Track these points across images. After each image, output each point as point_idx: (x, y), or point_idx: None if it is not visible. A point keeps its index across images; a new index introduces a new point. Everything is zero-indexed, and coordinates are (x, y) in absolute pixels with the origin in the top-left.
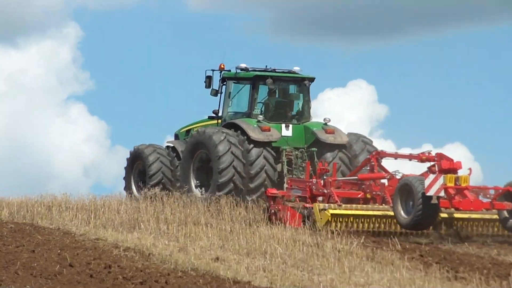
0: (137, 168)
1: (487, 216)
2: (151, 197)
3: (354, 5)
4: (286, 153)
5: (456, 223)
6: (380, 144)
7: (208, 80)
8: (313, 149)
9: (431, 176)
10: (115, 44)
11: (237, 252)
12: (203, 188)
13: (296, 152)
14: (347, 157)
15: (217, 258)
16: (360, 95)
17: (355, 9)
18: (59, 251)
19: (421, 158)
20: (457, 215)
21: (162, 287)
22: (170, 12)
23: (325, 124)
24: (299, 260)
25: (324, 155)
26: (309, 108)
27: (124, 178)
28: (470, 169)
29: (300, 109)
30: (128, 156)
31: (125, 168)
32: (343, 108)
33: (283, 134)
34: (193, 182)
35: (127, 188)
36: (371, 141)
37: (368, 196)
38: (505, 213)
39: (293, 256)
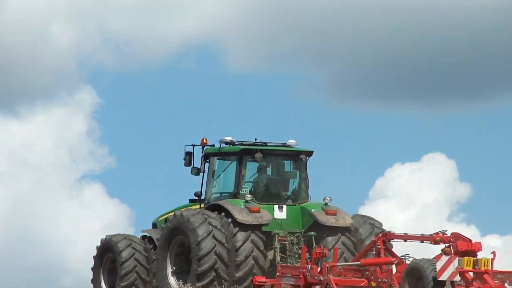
0: (108, 260)
1: None
2: None
3: (429, 65)
4: (279, 238)
5: None
6: (462, 230)
7: (188, 157)
8: (312, 233)
9: (444, 258)
10: (139, 113)
11: None
12: (180, 280)
13: (292, 237)
14: (352, 241)
15: None
16: (437, 171)
17: (431, 69)
18: None
19: (434, 239)
20: None
21: None
22: (206, 73)
23: (325, 204)
24: None
25: (324, 239)
26: (306, 186)
27: (92, 268)
28: (493, 252)
29: (296, 188)
30: (99, 245)
31: (94, 257)
32: (417, 187)
33: (276, 217)
34: (169, 273)
35: (95, 281)
36: (381, 224)
37: (373, 284)
38: None
39: None
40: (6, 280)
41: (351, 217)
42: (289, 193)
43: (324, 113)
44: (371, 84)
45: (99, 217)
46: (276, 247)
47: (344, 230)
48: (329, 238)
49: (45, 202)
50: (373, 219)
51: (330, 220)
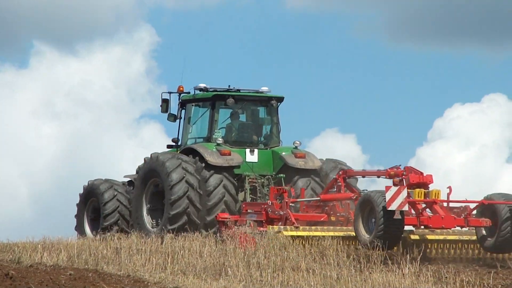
0: (91, 206)
1: (465, 238)
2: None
3: (492, 3)
4: (250, 180)
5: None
6: None
7: (165, 104)
8: (281, 175)
9: (393, 189)
10: (198, 51)
11: None
12: (154, 220)
13: (262, 180)
14: (319, 184)
15: None
16: (497, 112)
17: (493, 8)
18: None
19: (389, 174)
20: (430, 236)
21: None
22: (265, 11)
23: (295, 148)
24: None
25: (292, 181)
26: (278, 131)
27: (75, 216)
28: (450, 187)
29: (268, 133)
30: (82, 191)
31: (77, 205)
32: (476, 128)
33: (247, 160)
34: (145, 211)
35: (79, 227)
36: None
37: (333, 218)
38: (483, 231)
39: None
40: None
41: (322, 161)
42: (261, 138)
43: (383, 53)
44: (431, 23)
45: None
46: (247, 189)
47: (312, 172)
48: (299, 181)
49: (104, 141)
50: (344, 164)
51: (299, 163)
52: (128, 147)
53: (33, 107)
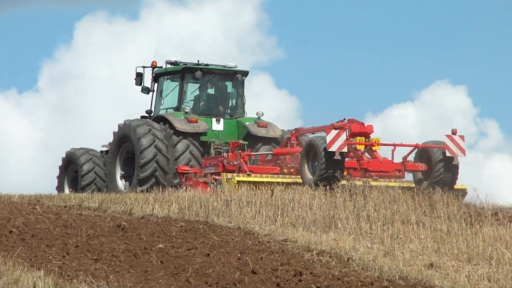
0: (71, 171)
1: (405, 185)
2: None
3: None
4: (215, 146)
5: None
6: None
7: (139, 78)
8: (244, 142)
9: (333, 132)
10: (309, 4)
11: (456, 258)
12: (127, 182)
13: (226, 147)
14: None
15: (431, 265)
16: None
17: None
18: (239, 255)
19: (334, 127)
20: (373, 183)
21: None
22: None
23: (258, 118)
24: None
25: (254, 147)
26: (243, 103)
27: (57, 177)
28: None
29: (234, 104)
30: (64, 156)
31: (59, 167)
32: None
33: (213, 129)
34: (118, 176)
35: (60, 188)
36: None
37: (285, 170)
38: (419, 175)
39: None
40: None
41: (283, 131)
42: (226, 109)
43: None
44: None
45: (267, 108)
46: (212, 154)
47: (273, 140)
48: (260, 147)
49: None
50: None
51: (261, 131)
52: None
53: (145, 58)
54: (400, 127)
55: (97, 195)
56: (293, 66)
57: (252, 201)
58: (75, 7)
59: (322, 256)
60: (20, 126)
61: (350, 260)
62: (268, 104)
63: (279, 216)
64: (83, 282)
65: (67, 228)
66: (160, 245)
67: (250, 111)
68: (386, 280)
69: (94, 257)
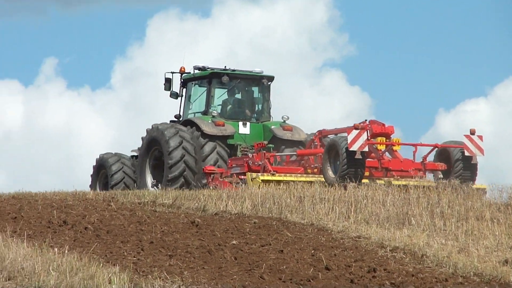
0: (102, 176)
1: (426, 184)
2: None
3: None
4: (242, 149)
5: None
6: None
7: (168, 83)
8: (270, 145)
9: (354, 132)
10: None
11: None
12: (159, 186)
13: (253, 150)
14: None
15: (506, 261)
16: None
17: None
18: (312, 251)
19: (356, 127)
20: (395, 182)
21: None
22: None
23: (284, 122)
24: None
25: (281, 151)
26: (268, 107)
27: (90, 186)
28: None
29: (260, 109)
30: (94, 164)
31: (91, 175)
32: None
33: (240, 132)
34: (148, 179)
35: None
36: None
37: (309, 170)
38: (440, 174)
39: None
40: None
41: (307, 134)
42: (253, 113)
43: None
44: None
45: (339, 105)
46: (238, 156)
47: (298, 143)
48: (284, 149)
49: (285, 89)
50: None
51: (286, 134)
52: (309, 95)
53: (216, 56)
54: (473, 123)
55: (171, 191)
56: (365, 63)
57: (325, 198)
58: (148, 4)
59: (396, 252)
60: (93, 123)
61: (424, 256)
62: (340, 100)
63: (352, 213)
64: (158, 278)
65: (141, 224)
66: (234, 242)
67: (290, 113)
68: (461, 276)
69: (169, 253)
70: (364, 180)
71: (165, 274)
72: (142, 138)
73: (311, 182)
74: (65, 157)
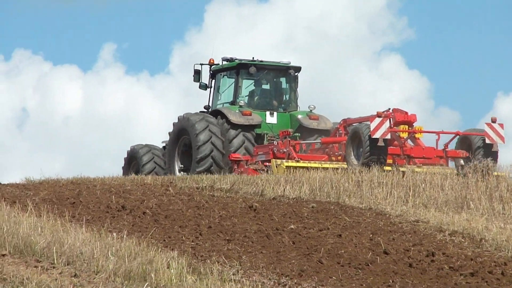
0: (133, 168)
1: (448, 171)
2: None
3: None
4: (269, 137)
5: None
6: None
7: (197, 75)
8: (297, 134)
9: (377, 120)
10: None
11: None
12: (186, 172)
13: (279, 138)
14: None
15: None
16: None
17: None
18: (371, 236)
19: (379, 115)
20: (417, 169)
21: (498, 279)
22: None
23: (310, 111)
24: None
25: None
26: (295, 97)
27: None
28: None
29: (287, 99)
30: (125, 156)
31: (122, 168)
32: None
33: (267, 121)
34: (177, 167)
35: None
36: None
37: (333, 158)
38: (461, 162)
39: None
40: None
41: (334, 123)
42: (280, 103)
43: None
44: None
45: (398, 89)
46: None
47: (324, 132)
48: (312, 138)
49: (344, 74)
50: None
51: (313, 124)
52: (368, 79)
53: (274, 40)
54: None
55: (229, 176)
56: (424, 47)
57: (383, 182)
58: None
59: (454, 236)
60: (152, 108)
61: (483, 240)
62: (399, 84)
63: (410, 197)
64: (216, 263)
65: (199, 209)
66: (292, 226)
67: (328, 101)
68: None
69: (227, 238)
70: (387, 168)
71: (223, 258)
72: (173, 124)
73: (336, 168)
74: (123, 143)
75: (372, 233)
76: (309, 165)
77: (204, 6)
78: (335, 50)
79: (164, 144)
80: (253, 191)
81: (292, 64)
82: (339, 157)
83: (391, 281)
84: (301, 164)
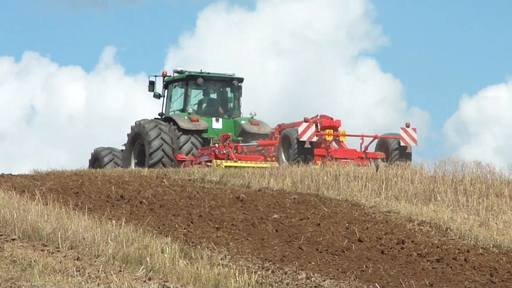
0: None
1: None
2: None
3: None
4: (214, 141)
5: None
6: None
7: (152, 85)
8: (239, 138)
9: (304, 124)
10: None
11: None
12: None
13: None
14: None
15: None
16: None
17: None
18: (347, 225)
19: (306, 121)
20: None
21: (461, 265)
22: None
23: (252, 117)
24: None
25: (248, 142)
26: (239, 105)
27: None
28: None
29: (231, 106)
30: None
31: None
32: None
33: (213, 127)
34: (133, 164)
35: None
36: None
37: (268, 159)
38: (379, 161)
39: None
40: None
41: (272, 128)
42: (225, 110)
43: None
44: None
45: (373, 90)
46: None
47: (264, 136)
48: (251, 141)
49: (324, 76)
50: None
51: (253, 129)
52: (345, 81)
53: (260, 46)
54: (494, 110)
55: (218, 169)
56: (397, 52)
57: (359, 176)
58: None
59: (422, 226)
60: (149, 107)
61: (448, 229)
62: (374, 87)
63: (383, 190)
64: (206, 248)
65: (191, 199)
66: (275, 216)
67: (267, 108)
68: (481, 248)
69: (216, 226)
70: (316, 167)
71: (213, 245)
72: (127, 134)
73: (266, 168)
74: (123, 139)
75: (348, 222)
76: (245, 165)
77: (197, 13)
78: (316, 54)
79: (123, 147)
80: (240, 183)
81: (236, 75)
82: (274, 158)
83: (364, 266)
84: (238, 164)
